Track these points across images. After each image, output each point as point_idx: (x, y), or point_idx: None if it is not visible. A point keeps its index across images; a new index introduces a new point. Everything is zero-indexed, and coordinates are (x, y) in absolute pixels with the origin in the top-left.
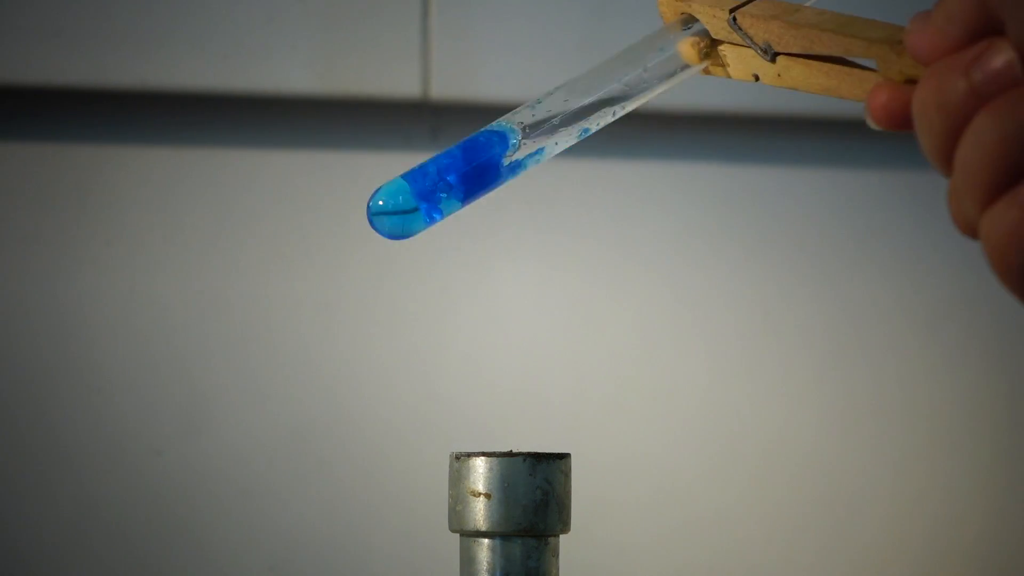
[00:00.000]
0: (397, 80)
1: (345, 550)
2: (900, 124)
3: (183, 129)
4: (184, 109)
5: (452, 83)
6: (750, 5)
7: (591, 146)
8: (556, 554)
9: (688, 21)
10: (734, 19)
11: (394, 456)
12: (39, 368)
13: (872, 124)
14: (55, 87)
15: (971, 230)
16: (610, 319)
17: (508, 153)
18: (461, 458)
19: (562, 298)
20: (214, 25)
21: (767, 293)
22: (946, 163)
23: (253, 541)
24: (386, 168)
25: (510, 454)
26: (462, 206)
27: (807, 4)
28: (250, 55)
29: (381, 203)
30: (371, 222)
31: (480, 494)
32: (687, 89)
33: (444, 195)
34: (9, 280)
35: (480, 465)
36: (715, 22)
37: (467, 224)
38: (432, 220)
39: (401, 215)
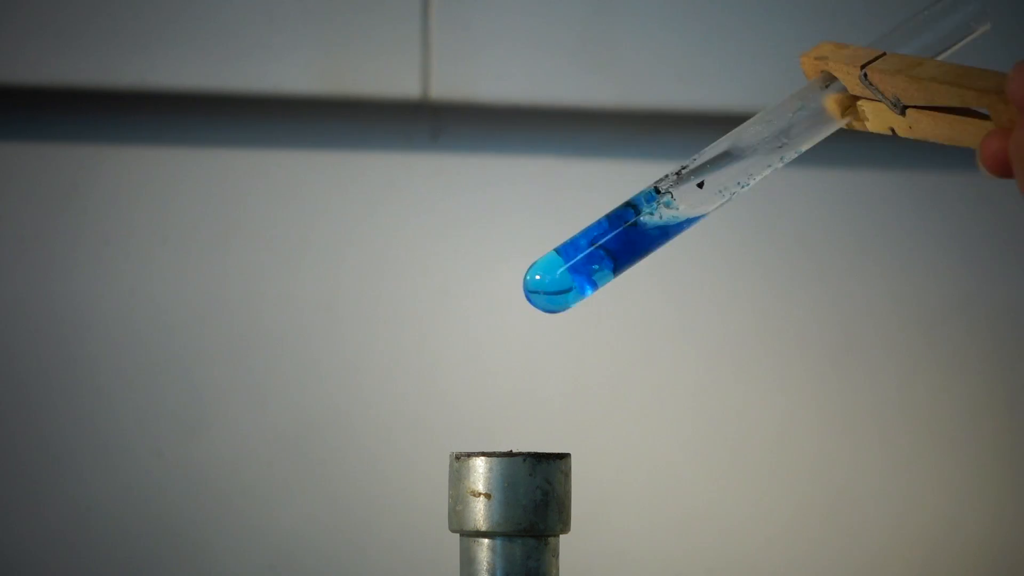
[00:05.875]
0: (397, 80)
1: (345, 550)
2: (1010, 171)
3: (183, 129)
4: (184, 109)
5: (452, 83)
6: (878, 61)
7: (590, 146)
8: (556, 554)
9: (828, 79)
10: (865, 75)
11: (394, 456)
12: (38, 368)
13: (984, 172)
14: (55, 87)
15: None
16: (610, 319)
17: (650, 212)
18: (461, 458)
19: None
20: (214, 25)
21: (767, 293)
22: None
23: (253, 541)
24: (386, 168)
25: (510, 454)
26: (614, 276)
27: (949, 51)
28: (250, 55)
29: (538, 278)
30: (528, 298)
31: (480, 494)
32: (686, 89)
33: (596, 267)
34: (9, 280)
35: (480, 465)
36: (850, 79)
37: (467, 225)
38: (585, 294)
39: (557, 295)
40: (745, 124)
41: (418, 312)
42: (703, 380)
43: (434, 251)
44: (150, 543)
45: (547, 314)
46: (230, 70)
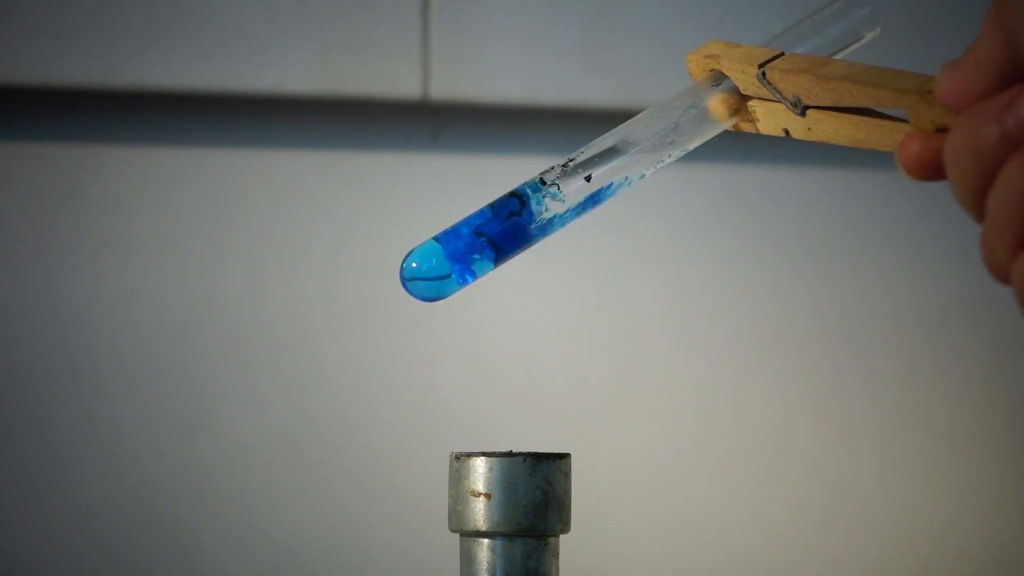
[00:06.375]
0: (397, 80)
1: (345, 550)
2: (932, 173)
3: (183, 129)
4: (184, 109)
5: (452, 83)
6: (779, 60)
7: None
8: (556, 554)
9: (717, 78)
10: (763, 74)
11: (394, 456)
12: (39, 368)
13: (903, 174)
14: (55, 87)
15: (1003, 275)
16: (610, 319)
17: (540, 210)
18: (461, 458)
19: (562, 298)
20: (214, 25)
21: (767, 293)
22: (978, 209)
23: (253, 541)
24: (386, 168)
25: (510, 454)
26: (494, 267)
27: (836, 57)
28: (250, 55)
29: (415, 265)
30: (405, 286)
31: (480, 494)
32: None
33: (477, 256)
34: (9, 280)
35: (480, 465)
36: (744, 78)
37: None
38: (465, 282)
39: (435, 281)
40: (634, 119)
41: (418, 312)
42: (703, 380)
43: None
44: (150, 543)
45: (425, 302)
46: (230, 70)
